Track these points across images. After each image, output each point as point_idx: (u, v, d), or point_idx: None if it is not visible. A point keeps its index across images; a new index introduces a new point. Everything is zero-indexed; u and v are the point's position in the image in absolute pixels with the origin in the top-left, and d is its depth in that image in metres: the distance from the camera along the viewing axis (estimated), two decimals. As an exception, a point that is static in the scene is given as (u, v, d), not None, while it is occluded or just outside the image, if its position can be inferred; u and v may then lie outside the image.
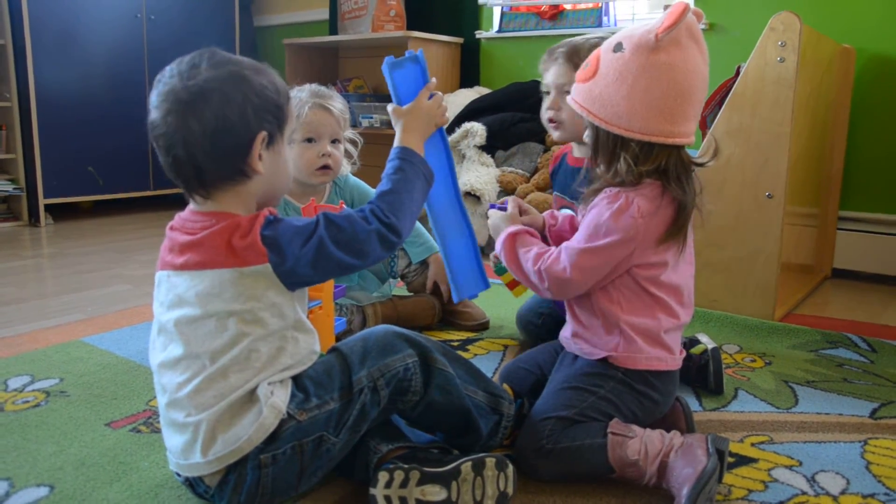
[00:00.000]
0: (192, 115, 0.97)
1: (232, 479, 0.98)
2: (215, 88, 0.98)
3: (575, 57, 1.46)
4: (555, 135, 1.57)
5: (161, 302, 1.04)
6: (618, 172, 1.13)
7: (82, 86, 3.61)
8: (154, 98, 1.00)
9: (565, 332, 1.28)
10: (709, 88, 2.34)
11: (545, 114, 1.56)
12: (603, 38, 1.43)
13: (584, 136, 1.21)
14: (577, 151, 1.62)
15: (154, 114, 0.99)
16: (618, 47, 1.11)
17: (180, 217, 1.05)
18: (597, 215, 1.14)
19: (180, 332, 1.00)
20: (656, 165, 1.11)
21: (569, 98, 1.19)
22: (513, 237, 1.25)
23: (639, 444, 1.08)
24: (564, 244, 1.17)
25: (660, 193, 1.13)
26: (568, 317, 1.27)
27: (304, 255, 0.99)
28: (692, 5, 1.11)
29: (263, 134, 1.02)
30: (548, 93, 1.56)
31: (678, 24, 1.06)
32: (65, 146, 3.55)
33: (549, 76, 1.54)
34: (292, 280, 1.00)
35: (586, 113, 1.14)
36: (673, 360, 1.20)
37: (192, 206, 1.05)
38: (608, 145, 1.14)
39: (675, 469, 1.04)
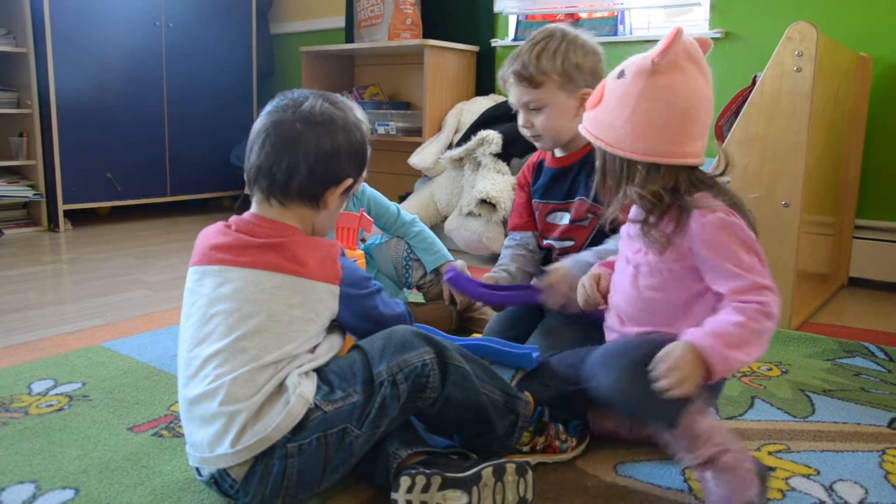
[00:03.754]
0: (317, 132, 1.12)
1: (259, 469, 1.00)
2: (339, 124, 1.15)
3: (524, 73, 1.52)
4: (538, 146, 1.64)
5: (204, 294, 1.08)
6: (627, 195, 1.15)
7: (101, 93, 3.64)
8: (281, 107, 1.14)
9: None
10: (725, 97, 2.36)
11: (523, 132, 1.61)
12: (547, 39, 1.51)
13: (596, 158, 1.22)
14: (560, 153, 1.64)
15: (276, 116, 1.13)
16: (620, 74, 1.15)
17: (242, 220, 1.14)
18: (728, 237, 1.13)
19: (229, 325, 1.04)
20: (664, 185, 1.12)
21: (580, 127, 1.22)
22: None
23: (709, 425, 1.06)
24: (738, 291, 1.09)
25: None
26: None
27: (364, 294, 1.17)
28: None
29: (349, 181, 1.17)
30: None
31: (671, 48, 1.09)
32: (84, 153, 3.59)
33: (511, 98, 1.59)
34: (346, 304, 1.13)
35: (593, 138, 1.17)
36: None
37: (256, 211, 1.15)
38: (615, 168, 1.16)
39: (720, 485, 1.03)
